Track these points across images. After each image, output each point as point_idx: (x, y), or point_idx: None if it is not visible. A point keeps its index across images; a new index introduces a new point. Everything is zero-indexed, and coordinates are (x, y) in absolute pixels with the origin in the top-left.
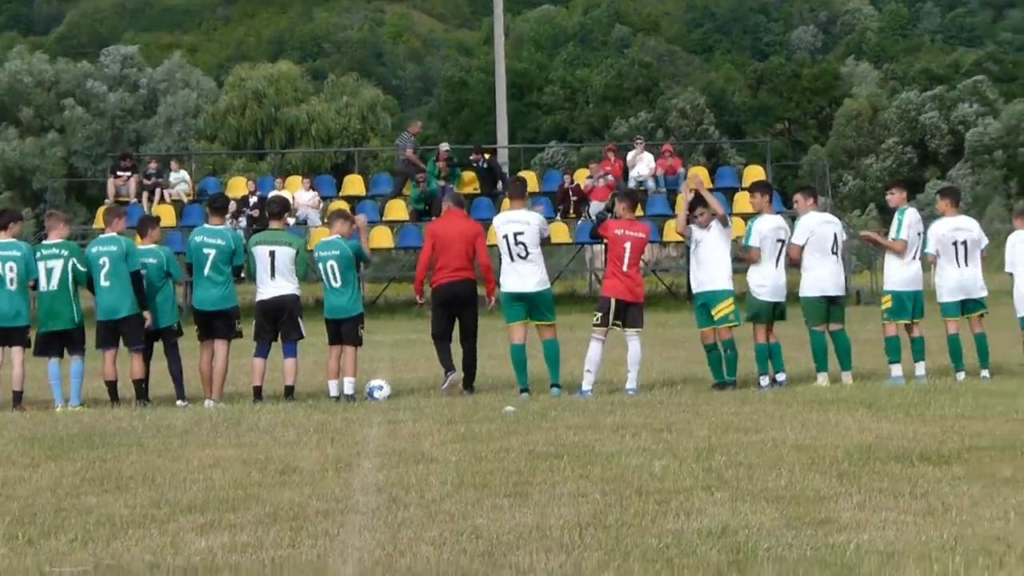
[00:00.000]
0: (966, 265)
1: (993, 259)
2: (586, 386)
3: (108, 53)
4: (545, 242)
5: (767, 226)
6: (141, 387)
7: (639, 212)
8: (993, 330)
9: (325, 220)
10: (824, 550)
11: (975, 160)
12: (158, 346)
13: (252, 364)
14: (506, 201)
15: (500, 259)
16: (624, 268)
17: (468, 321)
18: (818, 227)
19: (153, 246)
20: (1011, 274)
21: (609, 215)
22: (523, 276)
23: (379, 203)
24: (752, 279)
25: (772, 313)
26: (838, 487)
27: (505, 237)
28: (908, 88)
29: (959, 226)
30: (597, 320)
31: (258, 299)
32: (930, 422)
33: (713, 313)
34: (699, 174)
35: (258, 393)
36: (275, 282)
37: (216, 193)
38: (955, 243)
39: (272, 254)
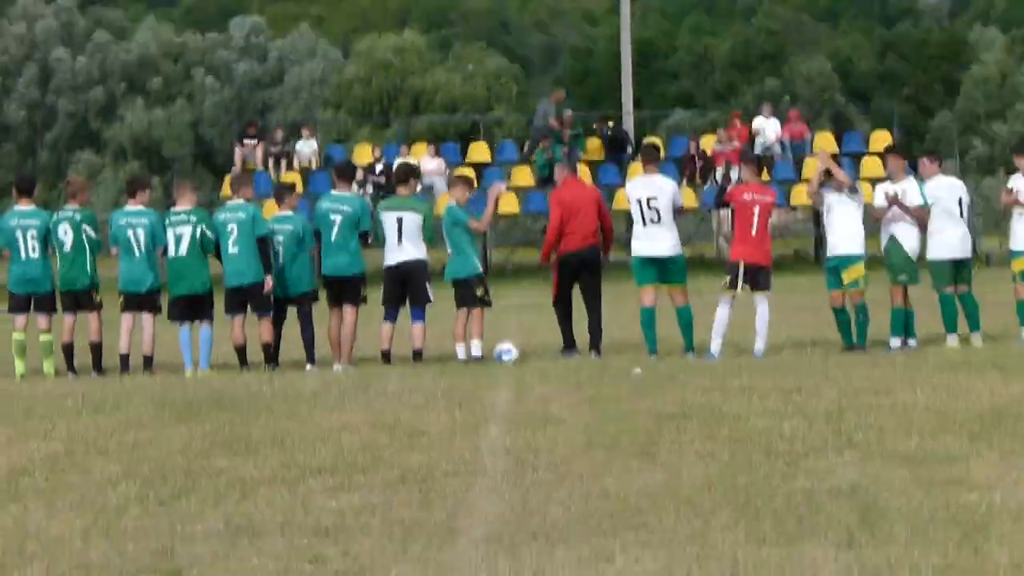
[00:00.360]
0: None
1: None
2: (714, 349)
3: (235, 24)
4: (679, 212)
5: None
6: (269, 351)
7: (765, 176)
8: None
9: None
10: (955, 509)
11: None
12: (292, 311)
13: (380, 329)
14: (634, 166)
15: (631, 223)
16: (753, 232)
17: (595, 286)
18: (945, 190)
19: (289, 213)
20: None
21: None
22: (656, 240)
23: (505, 170)
24: (907, 242)
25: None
26: (969, 448)
27: (638, 201)
28: None
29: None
30: (726, 283)
31: (386, 264)
32: None
33: (844, 277)
34: (826, 149)
35: (386, 357)
36: (403, 248)
37: (343, 160)
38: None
39: (400, 220)
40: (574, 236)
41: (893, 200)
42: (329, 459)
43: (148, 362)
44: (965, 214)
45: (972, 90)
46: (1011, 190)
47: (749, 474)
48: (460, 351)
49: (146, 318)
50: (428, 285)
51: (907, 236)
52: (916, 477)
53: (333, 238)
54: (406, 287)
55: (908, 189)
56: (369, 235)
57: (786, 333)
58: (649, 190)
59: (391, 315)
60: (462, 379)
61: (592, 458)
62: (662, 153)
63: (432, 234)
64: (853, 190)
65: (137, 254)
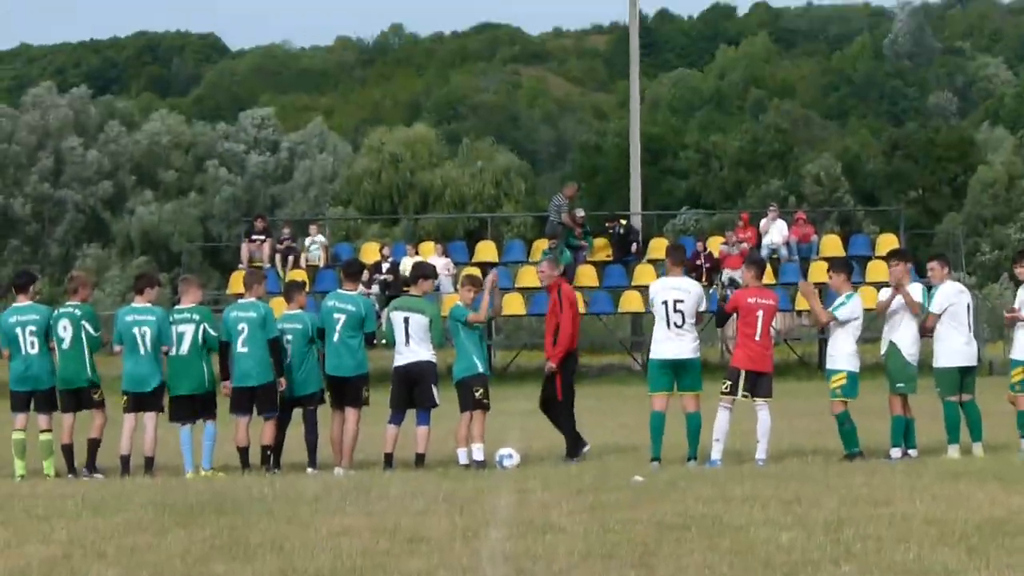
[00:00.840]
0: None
1: None
2: (715, 456)
3: (245, 116)
4: (700, 316)
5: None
6: (267, 454)
7: (771, 279)
8: None
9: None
10: None
11: None
12: (296, 412)
13: (385, 431)
14: (641, 267)
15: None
16: (757, 337)
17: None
18: (954, 296)
19: (299, 311)
20: None
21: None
22: (679, 344)
23: (512, 270)
24: (907, 349)
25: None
26: (967, 562)
27: (664, 303)
28: None
29: None
30: (726, 388)
31: (394, 365)
32: None
33: (830, 385)
34: (809, 283)
35: (388, 461)
36: (410, 348)
37: (350, 258)
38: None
39: (407, 320)
40: (575, 337)
41: (896, 290)
42: (328, 565)
43: (149, 464)
44: (971, 321)
45: (979, 193)
46: (1015, 309)
47: None
48: (462, 455)
49: (149, 418)
50: (435, 388)
51: (906, 342)
52: None
53: (336, 338)
54: (413, 389)
55: (912, 292)
56: (375, 336)
57: (788, 439)
58: (677, 292)
59: (397, 417)
60: (464, 484)
61: (590, 567)
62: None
63: (441, 336)
64: (832, 321)
65: (143, 352)
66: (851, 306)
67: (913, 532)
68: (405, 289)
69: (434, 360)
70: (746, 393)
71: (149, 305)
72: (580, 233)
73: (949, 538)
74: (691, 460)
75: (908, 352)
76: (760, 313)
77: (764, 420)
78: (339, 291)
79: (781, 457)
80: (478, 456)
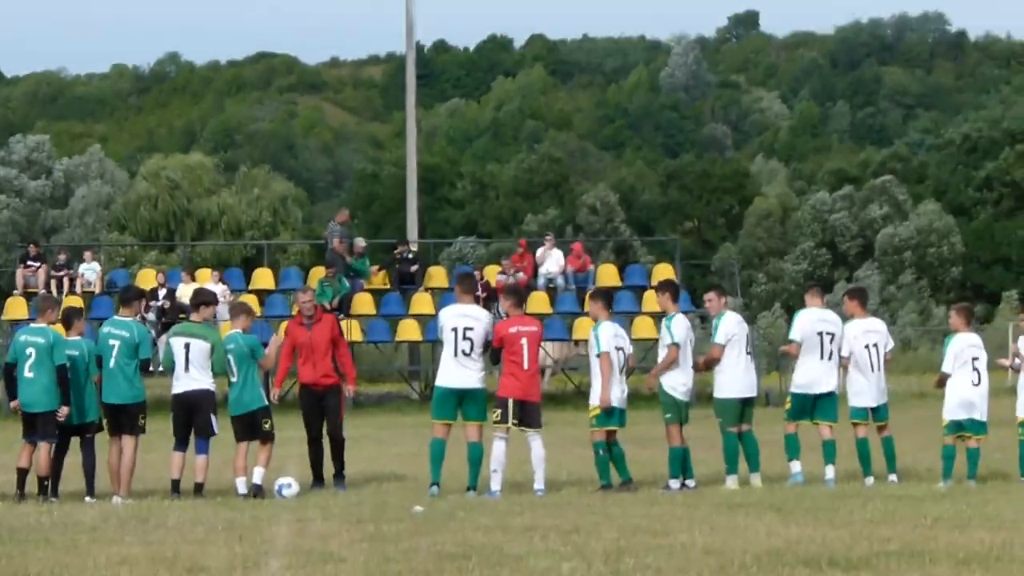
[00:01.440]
0: (878, 369)
1: (899, 362)
2: (494, 486)
3: (16, 141)
4: (487, 346)
5: (683, 326)
6: (44, 484)
7: (547, 308)
8: (900, 432)
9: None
10: None
11: (884, 261)
12: (74, 440)
13: (171, 458)
14: (419, 296)
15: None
16: (524, 366)
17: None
18: (736, 327)
19: (78, 338)
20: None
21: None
22: (465, 372)
23: (288, 297)
24: (667, 380)
25: (686, 414)
26: None
27: (454, 330)
28: (816, 188)
29: (870, 328)
30: (497, 418)
31: (173, 392)
32: (839, 527)
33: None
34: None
35: (175, 487)
36: (189, 375)
37: (126, 285)
38: (867, 346)
39: (187, 346)
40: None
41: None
42: None
43: None
44: (751, 351)
45: (754, 226)
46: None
47: None
48: (240, 484)
49: None
50: (213, 417)
51: (670, 377)
52: None
53: (111, 364)
54: (192, 416)
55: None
56: (150, 363)
57: (567, 469)
58: (466, 320)
59: (181, 445)
60: (243, 513)
61: None
62: (445, 282)
63: (222, 364)
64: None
65: None
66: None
67: (692, 563)
68: (182, 316)
69: (213, 388)
70: (515, 422)
71: None
72: (351, 260)
73: (728, 568)
74: (470, 490)
75: (669, 384)
76: (524, 341)
77: (537, 449)
78: (115, 317)
79: (560, 487)
80: (258, 480)
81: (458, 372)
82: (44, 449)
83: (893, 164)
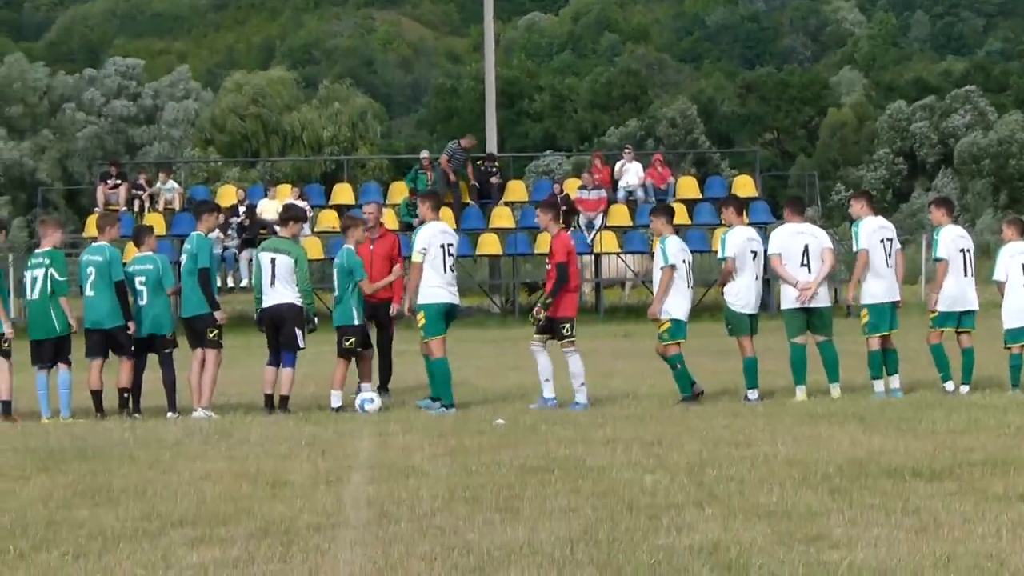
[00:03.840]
0: (967, 276)
1: (980, 270)
2: (581, 398)
3: (111, 64)
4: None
5: (739, 238)
6: (124, 396)
7: (628, 221)
8: (980, 342)
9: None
10: (816, 567)
11: (963, 170)
12: (153, 356)
13: (264, 372)
14: (498, 210)
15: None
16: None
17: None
18: (791, 239)
19: (149, 253)
20: (1000, 282)
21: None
22: (453, 288)
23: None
24: (728, 292)
25: (752, 325)
26: (830, 503)
27: (442, 247)
28: (895, 99)
29: (961, 234)
30: (567, 332)
31: (261, 307)
32: (921, 437)
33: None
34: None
35: (268, 401)
36: (275, 290)
37: (201, 199)
38: (961, 250)
39: (273, 261)
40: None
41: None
42: (191, 510)
43: (6, 407)
44: (809, 262)
45: (829, 137)
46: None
47: (611, 529)
48: (335, 399)
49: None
50: (299, 331)
51: (730, 291)
52: (777, 533)
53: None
54: (278, 330)
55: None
56: (208, 272)
57: (648, 381)
58: (449, 236)
59: (272, 357)
60: (325, 428)
61: (454, 511)
62: (526, 195)
63: (307, 280)
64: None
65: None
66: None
67: (775, 473)
68: (263, 231)
69: (298, 303)
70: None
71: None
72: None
73: (811, 479)
74: (437, 401)
75: (729, 300)
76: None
77: (574, 364)
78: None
79: (641, 399)
80: (335, 403)
81: (449, 289)
82: (124, 363)
83: (975, 74)
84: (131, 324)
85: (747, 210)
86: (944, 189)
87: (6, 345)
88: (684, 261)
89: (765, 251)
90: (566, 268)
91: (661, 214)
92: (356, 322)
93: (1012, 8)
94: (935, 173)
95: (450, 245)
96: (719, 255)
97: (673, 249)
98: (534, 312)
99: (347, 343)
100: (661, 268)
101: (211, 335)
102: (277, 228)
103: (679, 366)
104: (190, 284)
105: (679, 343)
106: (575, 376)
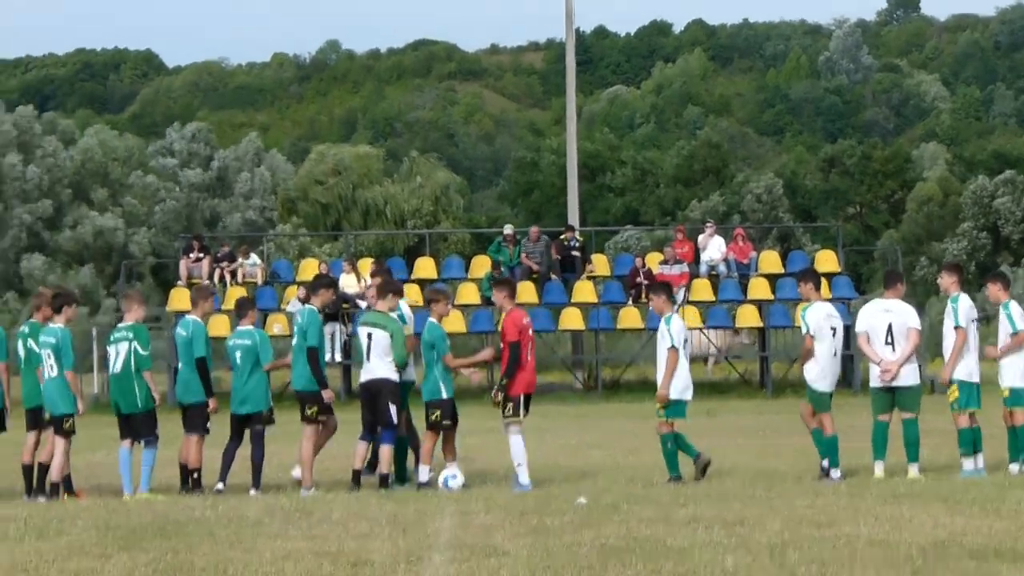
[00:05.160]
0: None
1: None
2: (525, 480)
3: (176, 129)
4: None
5: (819, 314)
6: (189, 476)
7: (711, 296)
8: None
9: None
10: None
11: None
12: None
13: (355, 446)
14: (580, 284)
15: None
16: (529, 357)
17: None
18: (876, 317)
19: (250, 327)
20: None
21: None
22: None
23: (451, 286)
24: (808, 371)
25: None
26: None
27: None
28: (978, 172)
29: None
30: (511, 412)
31: (359, 381)
32: (1006, 517)
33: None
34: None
35: (356, 477)
36: (371, 364)
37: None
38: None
39: (370, 336)
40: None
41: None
42: None
43: (54, 489)
44: (892, 340)
45: (915, 211)
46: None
47: None
48: (422, 473)
49: (56, 440)
50: (391, 407)
51: (810, 369)
52: None
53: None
54: (373, 405)
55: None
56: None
57: (732, 459)
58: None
59: (365, 434)
60: (406, 506)
61: None
62: (607, 270)
63: (403, 355)
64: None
65: (51, 373)
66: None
67: (858, 555)
68: (345, 305)
69: (393, 377)
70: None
71: (54, 325)
72: (512, 251)
73: (894, 560)
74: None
75: (810, 378)
76: (531, 332)
77: (515, 443)
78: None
79: (722, 477)
80: (422, 477)
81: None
82: (192, 442)
83: None
84: (211, 401)
85: (829, 285)
86: None
87: (67, 425)
88: (686, 340)
89: (846, 327)
90: (519, 347)
91: (661, 292)
92: (444, 395)
93: None
94: (1021, 249)
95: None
96: (802, 331)
97: (677, 329)
98: (492, 395)
99: (434, 416)
100: (668, 349)
101: (309, 411)
102: (371, 302)
103: (669, 444)
104: (301, 360)
105: (672, 422)
106: (515, 456)
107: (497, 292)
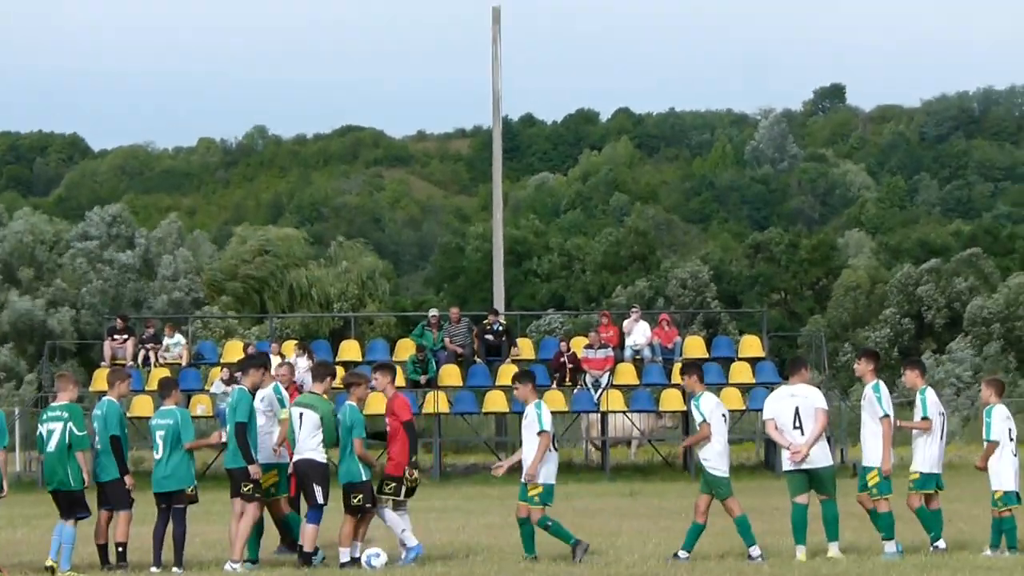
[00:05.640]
0: (941, 439)
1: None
2: (413, 542)
3: (95, 212)
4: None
5: (709, 403)
6: (119, 550)
7: (634, 380)
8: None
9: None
10: None
11: (973, 332)
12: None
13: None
14: (505, 367)
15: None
16: None
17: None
18: (782, 402)
19: (172, 407)
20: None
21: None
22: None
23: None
24: (707, 458)
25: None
26: None
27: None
28: (903, 260)
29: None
30: (391, 491)
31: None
32: None
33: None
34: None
35: (299, 551)
36: (301, 444)
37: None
38: (940, 414)
39: (301, 416)
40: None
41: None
42: None
43: None
44: (800, 424)
45: (842, 297)
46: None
47: None
48: (343, 554)
49: None
50: (317, 487)
51: (708, 455)
52: None
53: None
54: (300, 486)
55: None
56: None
57: (654, 540)
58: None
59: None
60: None
61: None
62: (532, 354)
63: (332, 435)
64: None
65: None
66: None
67: None
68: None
69: (321, 459)
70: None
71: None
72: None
73: None
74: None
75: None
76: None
77: (389, 515)
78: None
79: (647, 558)
80: (343, 558)
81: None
82: (121, 517)
83: (982, 237)
84: (128, 479)
85: (753, 370)
86: (960, 352)
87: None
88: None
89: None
90: (413, 426)
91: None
92: (363, 478)
93: (1019, 174)
94: (945, 336)
95: None
96: (698, 420)
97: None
98: (408, 475)
99: (356, 500)
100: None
101: (245, 489)
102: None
103: (550, 523)
104: (233, 439)
105: (544, 508)
106: (394, 525)
107: (381, 376)
